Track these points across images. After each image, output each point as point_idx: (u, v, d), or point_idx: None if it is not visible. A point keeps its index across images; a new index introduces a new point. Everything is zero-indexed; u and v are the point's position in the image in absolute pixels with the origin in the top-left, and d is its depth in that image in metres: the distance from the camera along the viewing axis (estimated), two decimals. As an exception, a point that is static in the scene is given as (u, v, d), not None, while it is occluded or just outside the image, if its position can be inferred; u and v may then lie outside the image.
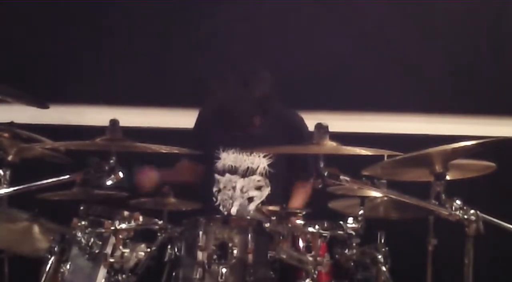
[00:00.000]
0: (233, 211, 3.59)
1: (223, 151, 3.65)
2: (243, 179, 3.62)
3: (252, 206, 3.59)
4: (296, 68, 3.77)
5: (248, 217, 3.34)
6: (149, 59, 4.16)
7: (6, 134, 3.23)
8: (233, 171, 3.63)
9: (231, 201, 3.61)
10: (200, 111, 3.81)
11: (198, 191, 3.73)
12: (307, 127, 3.59)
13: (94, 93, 4.11)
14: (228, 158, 3.64)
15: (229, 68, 3.64)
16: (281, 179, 3.64)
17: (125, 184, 2.89)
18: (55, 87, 4.05)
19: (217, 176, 3.65)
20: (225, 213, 3.58)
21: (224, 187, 3.63)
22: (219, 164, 3.65)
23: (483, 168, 3.00)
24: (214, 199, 3.65)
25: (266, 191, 3.61)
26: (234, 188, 3.62)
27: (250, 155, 3.62)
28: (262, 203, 3.58)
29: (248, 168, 3.62)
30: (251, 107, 3.49)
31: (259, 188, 3.61)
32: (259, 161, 3.63)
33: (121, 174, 2.70)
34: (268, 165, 3.61)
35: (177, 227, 2.93)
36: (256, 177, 3.61)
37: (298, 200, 3.61)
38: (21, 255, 3.25)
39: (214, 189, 3.66)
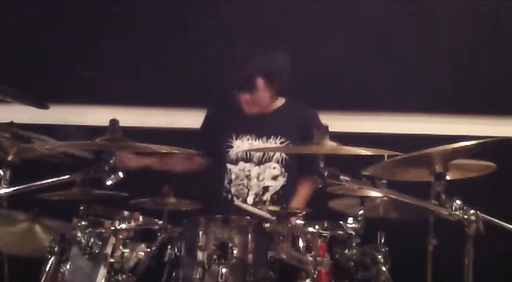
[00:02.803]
0: (250, 200, 3.56)
1: (236, 138, 3.62)
2: (259, 167, 3.58)
3: (267, 196, 3.57)
4: (296, 68, 3.76)
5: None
6: (149, 59, 4.16)
7: (6, 135, 3.23)
8: (247, 159, 3.59)
9: (247, 190, 3.58)
10: (209, 107, 3.79)
11: (205, 188, 3.72)
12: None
13: (94, 93, 4.11)
14: (242, 145, 3.60)
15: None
16: (294, 170, 3.60)
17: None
18: (55, 87, 4.05)
19: (228, 166, 3.61)
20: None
21: (237, 177, 3.60)
22: (232, 153, 3.61)
23: (483, 168, 2.99)
24: (225, 194, 3.61)
25: (281, 181, 3.58)
26: (248, 177, 3.58)
27: (266, 141, 3.60)
28: (277, 193, 3.57)
29: (264, 154, 3.58)
30: (251, 66, 3.49)
31: (275, 178, 3.58)
32: (276, 148, 3.60)
33: (121, 174, 2.70)
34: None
35: (177, 227, 2.93)
36: (272, 164, 3.57)
37: (301, 199, 3.59)
38: (22, 256, 3.25)
39: (225, 182, 3.62)
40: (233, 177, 3.61)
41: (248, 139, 3.62)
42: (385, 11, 4.13)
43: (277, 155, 3.58)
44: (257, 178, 3.58)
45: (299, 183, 3.64)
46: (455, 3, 4.16)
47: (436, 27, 4.17)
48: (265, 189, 3.58)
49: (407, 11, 4.14)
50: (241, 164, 3.60)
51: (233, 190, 3.60)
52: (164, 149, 2.93)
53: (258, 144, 3.60)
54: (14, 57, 4.10)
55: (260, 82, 3.54)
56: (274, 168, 3.58)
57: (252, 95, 3.56)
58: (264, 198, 3.57)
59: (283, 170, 3.58)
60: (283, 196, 3.56)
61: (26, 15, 4.14)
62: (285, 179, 3.59)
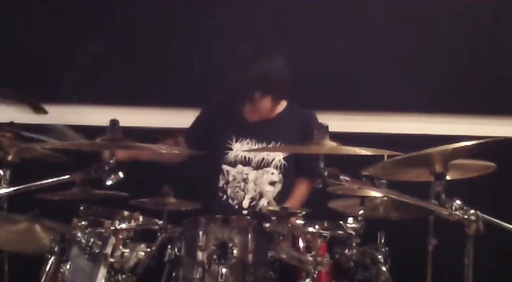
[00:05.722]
0: (245, 203, 3.57)
1: (237, 141, 3.62)
2: (257, 171, 3.58)
3: (263, 201, 3.56)
4: (296, 68, 3.76)
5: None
6: (149, 59, 4.16)
7: (7, 135, 3.23)
8: (246, 162, 3.59)
9: (243, 193, 3.58)
10: (205, 107, 3.81)
11: (200, 187, 3.72)
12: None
13: (93, 93, 4.11)
14: (242, 148, 3.60)
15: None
16: (292, 176, 3.61)
17: None
18: (55, 87, 4.05)
19: (226, 168, 3.61)
20: (236, 206, 3.57)
21: (234, 179, 3.59)
22: (231, 155, 3.61)
23: (483, 168, 3.00)
24: (221, 194, 3.61)
25: (278, 187, 3.57)
26: (245, 180, 3.58)
27: (266, 147, 3.59)
28: (274, 199, 3.56)
29: (263, 159, 3.58)
30: (248, 81, 3.49)
31: (272, 183, 3.57)
32: (275, 153, 3.59)
33: (121, 174, 2.70)
34: (284, 158, 3.58)
35: (177, 227, 2.93)
36: (271, 169, 3.57)
37: (296, 200, 3.58)
38: (22, 255, 3.25)
39: (221, 183, 3.62)
40: (230, 178, 3.61)
41: (248, 143, 3.62)
42: (385, 11, 4.13)
43: (276, 160, 3.58)
44: (254, 182, 3.58)
45: (296, 183, 3.63)
46: (455, 4, 4.16)
47: (436, 27, 4.17)
48: (261, 194, 3.57)
49: (407, 11, 4.14)
50: (240, 167, 3.60)
51: (229, 191, 3.60)
52: (164, 148, 2.94)
53: (258, 148, 3.60)
54: (14, 57, 4.10)
55: (258, 95, 3.54)
56: (272, 173, 3.57)
57: (253, 106, 3.58)
58: (260, 203, 3.56)
59: (281, 176, 3.58)
60: (279, 202, 3.55)
61: (25, 15, 4.14)
62: (281, 185, 3.58)
